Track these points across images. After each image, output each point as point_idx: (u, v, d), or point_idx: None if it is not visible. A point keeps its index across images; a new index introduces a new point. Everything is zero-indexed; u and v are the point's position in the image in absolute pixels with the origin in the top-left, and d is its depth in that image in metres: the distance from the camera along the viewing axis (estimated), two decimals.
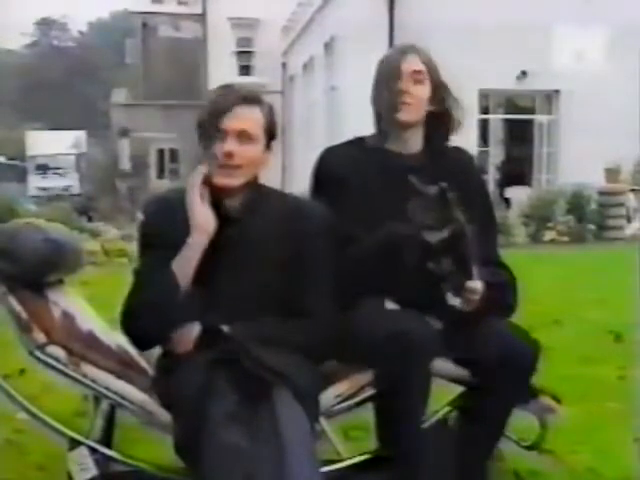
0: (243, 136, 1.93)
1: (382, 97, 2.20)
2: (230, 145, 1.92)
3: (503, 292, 2.14)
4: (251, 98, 1.97)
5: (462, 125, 2.25)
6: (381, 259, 2.04)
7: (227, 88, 2.01)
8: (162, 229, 1.97)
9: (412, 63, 2.18)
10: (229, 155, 1.92)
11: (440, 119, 2.23)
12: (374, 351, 1.93)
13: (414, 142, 2.23)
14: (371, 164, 2.18)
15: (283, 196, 2.11)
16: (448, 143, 2.28)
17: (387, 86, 2.18)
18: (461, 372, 2.09)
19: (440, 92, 2.21)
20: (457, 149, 2.31)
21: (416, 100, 2.18)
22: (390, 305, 2.07)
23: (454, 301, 2.00)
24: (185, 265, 1.91)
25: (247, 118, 1.94)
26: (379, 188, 2.15)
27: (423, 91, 2.19)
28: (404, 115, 2.18)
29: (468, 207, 1.98)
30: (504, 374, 1.98)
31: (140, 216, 2.05)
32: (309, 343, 1.95)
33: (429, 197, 1.95)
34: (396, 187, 2.03)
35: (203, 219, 1.92)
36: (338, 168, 2.20)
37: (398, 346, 1.87)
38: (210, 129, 1.94)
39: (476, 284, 1.99)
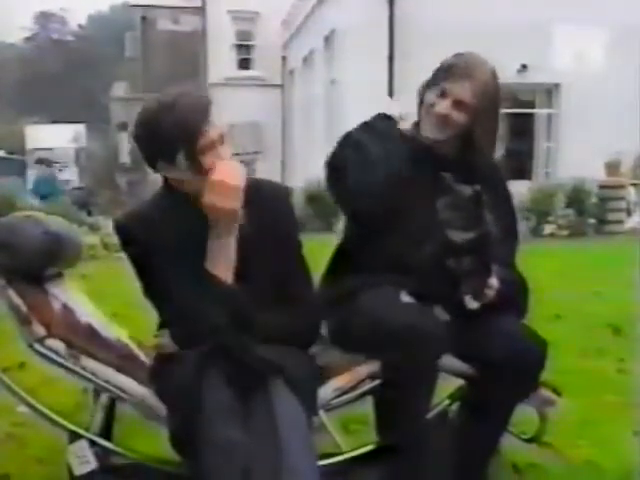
0: None
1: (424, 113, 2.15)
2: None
3: (515, 291, 2.14)
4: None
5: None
6: (401, 250, 2.05)
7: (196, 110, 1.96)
8: (151, 237, 1.89)
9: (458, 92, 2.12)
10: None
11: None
12: (386, 340, 1.93)
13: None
14: (400, 150, 2.11)
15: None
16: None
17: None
18: (465, 367, 2.09)
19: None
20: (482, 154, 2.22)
21: (454, 123, 2.12)
22: (405, 297, 2.05)
23: (472, 304, 2.00)
24: (224, 264, 1.89)
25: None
26: (407, 176, 2.08)
27: (462, 117, 2.11)
28: (440, 133, 2.13)
29: (494, 209, 1.99)
30: (511, 372, 1.98)
31: (119, 237, 1.94)
32: (295, 329, 1.95)
33: (462, 197, 1.93)
34: (425, 178, 2.03)
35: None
36: (365, 147, 2.12)
37: (410, 339, 1.87)
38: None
39: (492, 280, 2.01)
